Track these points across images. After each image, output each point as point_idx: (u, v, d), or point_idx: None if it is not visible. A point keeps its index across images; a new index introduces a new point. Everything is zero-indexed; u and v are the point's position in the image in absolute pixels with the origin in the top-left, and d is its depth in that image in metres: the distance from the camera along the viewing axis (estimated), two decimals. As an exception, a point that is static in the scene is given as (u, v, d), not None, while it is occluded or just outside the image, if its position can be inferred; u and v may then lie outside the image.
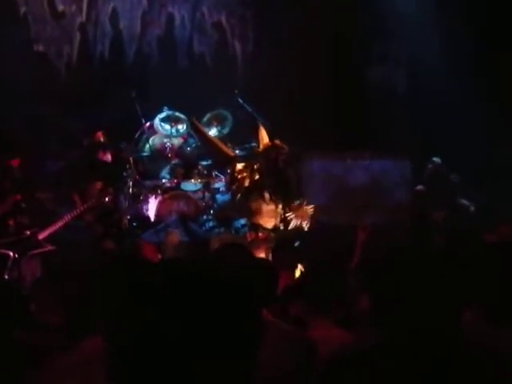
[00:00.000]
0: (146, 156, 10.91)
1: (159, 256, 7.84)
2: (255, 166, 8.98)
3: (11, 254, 7.41)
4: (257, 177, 8.86)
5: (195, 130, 10.58)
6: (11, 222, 7.81)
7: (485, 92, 11.32)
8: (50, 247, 7.68)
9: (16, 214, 7.94)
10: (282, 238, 8.21)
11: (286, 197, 8.78)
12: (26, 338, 3.99)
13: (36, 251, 7.60)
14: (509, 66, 11.35)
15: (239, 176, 9.06)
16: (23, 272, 7.37)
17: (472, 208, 10.38)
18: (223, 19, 12.90)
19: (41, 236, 7.73)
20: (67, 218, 8.06)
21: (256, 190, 8.77)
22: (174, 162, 10.65)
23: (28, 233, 7.68)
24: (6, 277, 7.17)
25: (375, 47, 13.12)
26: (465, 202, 10.49)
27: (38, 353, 3.81)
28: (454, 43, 11.72)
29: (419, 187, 10.65)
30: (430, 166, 10.77)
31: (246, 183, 8.90)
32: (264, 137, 9.12)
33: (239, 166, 9.13)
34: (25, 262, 7.45)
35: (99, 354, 3.35)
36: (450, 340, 2.94)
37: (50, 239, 7.79)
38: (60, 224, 7.93)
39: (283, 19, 12.75)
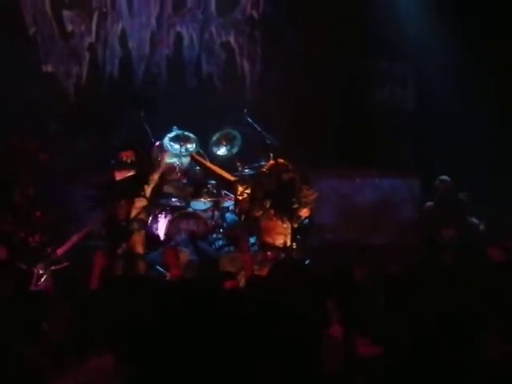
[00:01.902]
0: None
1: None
2: (256, 185, 9.00)
3: (35, 270, 7.55)
4: (257, 195, 8.87)
5: (196, 163, 10.60)
6: (33, 239, 7.93)
7: (493, 108, 11.34)
8: (66, 264, 7.82)
9: (37, 232, 8.04)
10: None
11: (291, 213, 8.79)
12: (36, 356, 4.01)
13: (56, 267, 7.73)
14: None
15: (240, 198, 9.11)
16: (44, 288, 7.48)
17: (481, 226, 10.38)
18: (231, 39, 12.92)
19: (59, 252, 7.86)
20: (81, 234, 8.19)
21: (257, 207, 8.79)
22: (183, 181, 10.65)
23: (49, 250, 7.83)
24: None
25: (382, 65, 13.15)
26: (474, 220, 10.49)
27: (47, 370, 3.83)
28: (461, 60, 11.75)
29: (428, 204, 10.66)
30: (439, 183, 10.77)
31: (247, 204, 8.93)
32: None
33: (240, 188, 9.17)
34: (45, 278, 7.58)
35: (106, 372, 3.37)
36: (462, 353, 2.96)
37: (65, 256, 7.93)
38: (75, 240, 8.05)
39: (291, 39, 12.80)
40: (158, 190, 9.67)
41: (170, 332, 2.37)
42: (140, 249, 8.86)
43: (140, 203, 8.97)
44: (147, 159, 9.40)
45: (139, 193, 8.96)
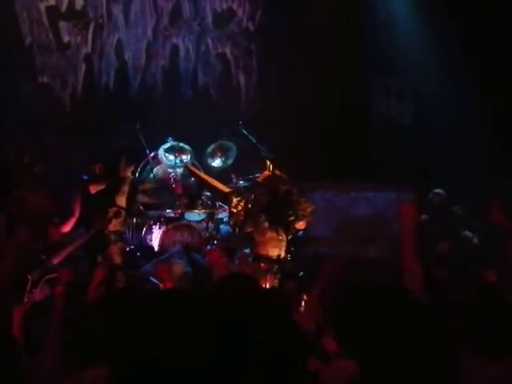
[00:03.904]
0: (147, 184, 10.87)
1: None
2: (251, 197, 8.99)
3: (29, 277, 7.55)
4: (251, 207, 8.87)
5: (190, 174, 10.60)
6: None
7: (490, 123, 11.37)
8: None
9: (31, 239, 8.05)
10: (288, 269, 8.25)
11: (287, 225, 8.79)
12: (31, 363, 4.00)
13: (51, 276, 7.73)
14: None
15: (235, 210, 9.09)
16: (36, 297, 7.46)
17: (475, 239, 10.39)
18: (227, 51, 12.98)
19: (55, 261, 7.88)
20: (78, 243, 8.23)
21: (252, 220, 8.78)
22: (178, 192, 10.65)
23: (44, 257, 7.84)
24: (26, 300, 7.29)
25: (379, 80, 13.19)
26: (468, 233, 10.51)
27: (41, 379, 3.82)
28: (459, 75, 11.77)
29: (423, 217, 10.66)
30: (433, 197, 10.79)
31: (242, 216, 8.91)
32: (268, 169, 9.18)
33: (235, 200, 9.15)
34: (40, 287, 7.58)
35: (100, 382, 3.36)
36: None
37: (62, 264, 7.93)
38: (71, 249, 8.09)
39: (287, 52, 12.84)
40: (131, 199, 9.79)
41: (166, 344, 2.36)
42: (118, 259, 8.97)
43: (117, 214, 9.09)
44: (114, 171, 9.50)
45: (111, 203, 9.08)
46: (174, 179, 10.71)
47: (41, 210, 8.33)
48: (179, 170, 10.80)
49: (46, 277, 7.73)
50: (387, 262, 9.48)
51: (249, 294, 3.94)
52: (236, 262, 9.86)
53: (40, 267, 7.73)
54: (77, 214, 8.79)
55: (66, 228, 8.71)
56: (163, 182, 10.80)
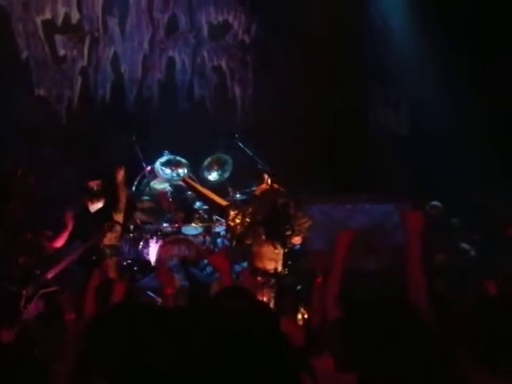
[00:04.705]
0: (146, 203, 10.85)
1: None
2: (249, 210, 8.97)
3: (24, 292, 7.54)
4: (249, 220, 8.84)
5: (187, 187, 10.57)
6: (21, 261, 7.93)
7: (486, 134, 11.39)
8: (55, 288, 7.81)
9: (26, 253, 8.05)
10: (284, 284, 8.21)
11: (283, 239, 8.76)
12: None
13: (45, 290, 7.71)
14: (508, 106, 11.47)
15: (232, 224, 9.05)
16: (30, 312, 7.45)
17: (472, 252, 10.38)
18: (223, 63, 13.01)
19: (49, 275, 7.86)
20: (72, 257, 8.22)
21: (249, 233, 8.75)
22: (173, 207, 10.64)
23: (38, 272, 7.82)
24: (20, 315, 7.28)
25: (376, 90, 13.19)
26: (466, 245, 10.49)
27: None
28: (455, 86, 11.79)
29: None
30: (430, 209, 10.77)
31: (239, 229, 8.88)
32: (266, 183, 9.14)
33: (232, 213, 9.11)
34: (34, 302, 7.57)
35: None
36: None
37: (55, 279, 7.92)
38: (65, 263, 8.08)
39: (283, 64, 12.84)
40: (129, 217, 9.84)
41: (167, 360, 2.35)
42: (113, 274, 8.96)
43: (110, 228, 9.10)
44: (113, 188, 9.50)
45: (108, 218, 9.09)
46: (171, 194, 10.69)
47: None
48: (176, 184, 10.79)
49: (41, 291, 7.72)
50: (387, 273, 9.52)
51: (245, 309, 3.92)
52: (233, 276, 9.85)
53: (34, 282, 7.71)
54: (70, 227, 8.78)
55: (60, 242, 8.69)
56: (159, 197, 10.78)
